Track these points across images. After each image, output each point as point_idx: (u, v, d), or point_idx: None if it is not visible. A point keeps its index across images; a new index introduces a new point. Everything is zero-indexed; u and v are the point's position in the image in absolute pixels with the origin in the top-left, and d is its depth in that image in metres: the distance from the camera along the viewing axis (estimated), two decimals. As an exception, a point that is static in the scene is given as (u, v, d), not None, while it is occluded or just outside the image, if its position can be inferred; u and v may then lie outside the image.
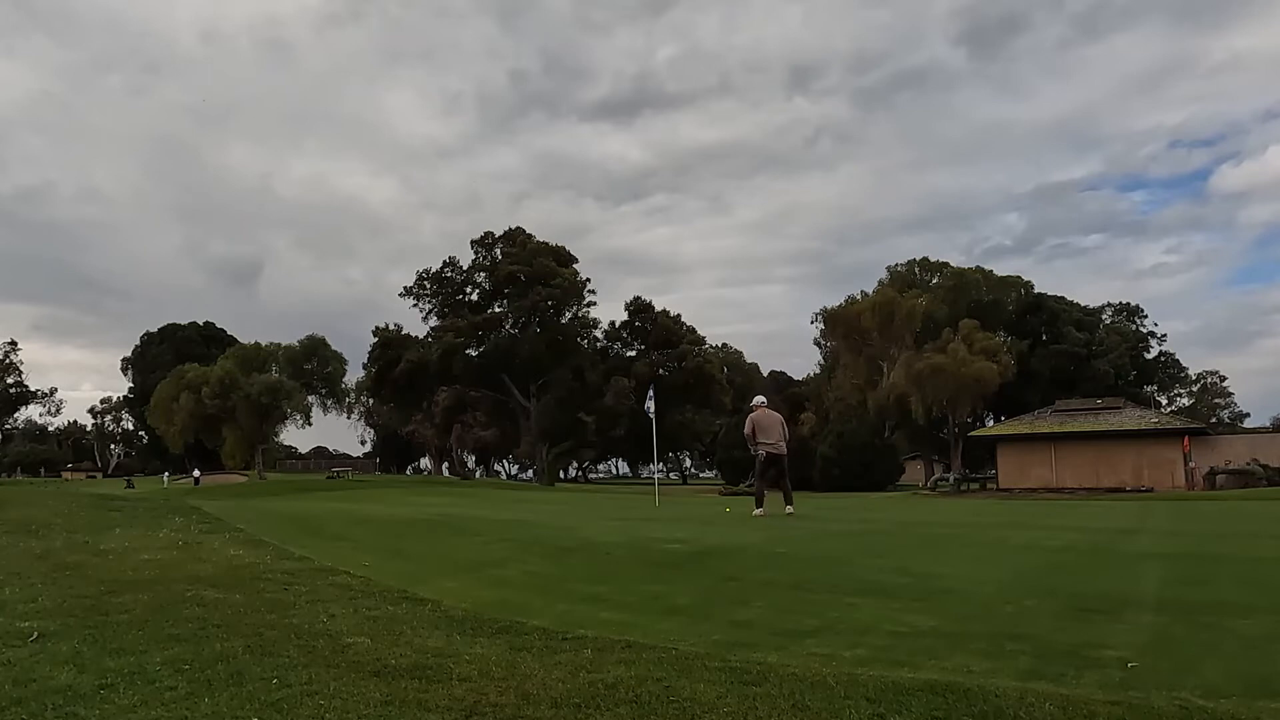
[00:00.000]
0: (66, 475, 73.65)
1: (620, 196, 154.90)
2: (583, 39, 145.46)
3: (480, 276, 52.94)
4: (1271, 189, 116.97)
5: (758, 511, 11.79)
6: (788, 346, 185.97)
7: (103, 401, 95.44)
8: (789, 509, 11.91)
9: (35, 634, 3.77)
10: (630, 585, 5.39)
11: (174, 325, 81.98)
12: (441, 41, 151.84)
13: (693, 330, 54.73)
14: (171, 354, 73.29)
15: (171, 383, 59.06)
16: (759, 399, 13.11)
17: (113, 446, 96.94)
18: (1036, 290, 62.67)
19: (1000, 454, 39.32)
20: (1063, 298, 62.76)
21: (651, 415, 17.65)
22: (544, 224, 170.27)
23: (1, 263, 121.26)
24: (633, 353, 55.07)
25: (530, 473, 59.12)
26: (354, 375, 66.49)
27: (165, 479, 44.98)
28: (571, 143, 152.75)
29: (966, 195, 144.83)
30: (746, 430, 12.48)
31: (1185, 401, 72.88)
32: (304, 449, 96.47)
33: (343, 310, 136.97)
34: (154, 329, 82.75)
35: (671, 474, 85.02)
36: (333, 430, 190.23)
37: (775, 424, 12.32)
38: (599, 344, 55.07)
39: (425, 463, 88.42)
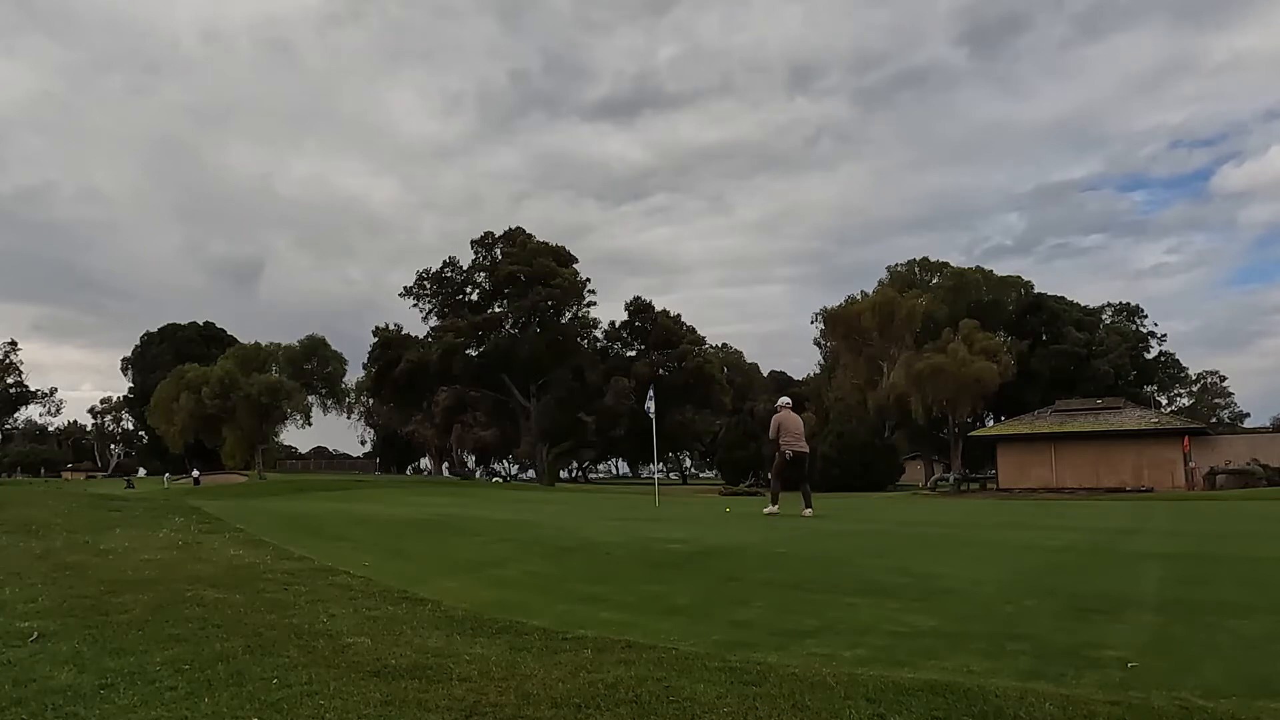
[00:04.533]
0: (66, 475, 73.61)
1: (621, 196, 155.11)
2: (583, 39, 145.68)
3: (480, 276, 52.92)
4: (1273, 189, 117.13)
5: (771, 509, 11.88)
6: (788, 346, 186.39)
7: (103, 401, 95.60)
8: (808, 511, 11.87)
9: (35, 634, 3.77)
10: (630, 585, 5.39)
11: (174, 325, 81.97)
12: (442, 41, 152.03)
13: (693, 330, 54.71)
14: (171, 354, 73.30)
15: (171, 383, 59.06)
16: (784, 400, 13.29)
17: (113, 446, 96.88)
18: (1036, 290, 62.70)
19: (1000, 454, 39.31)
20: (1063, 298, 62.78)
21: (651, 415, 17.64)
22: (544, 224, 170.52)
23: (1, 263, 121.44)
24: (633, 353, 55.02)
25: (531, 472, 59.05)
26: (354, 375, 66.55)
27: (166, 479, 44.97)
28: (572, 142, 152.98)
29: (967, 195, 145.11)
30: (772, 431, 12.64)
31: (1185, 401, 72.88)
32: (304, 449, 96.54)
33: (343, 310, 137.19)
34: (154, 329, 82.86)
35: (671, 474, 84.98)
36: (333, 430, 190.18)
37: (799, 425, 12.55)
38: (599, 344, 55.04)
39: (425, 462, 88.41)
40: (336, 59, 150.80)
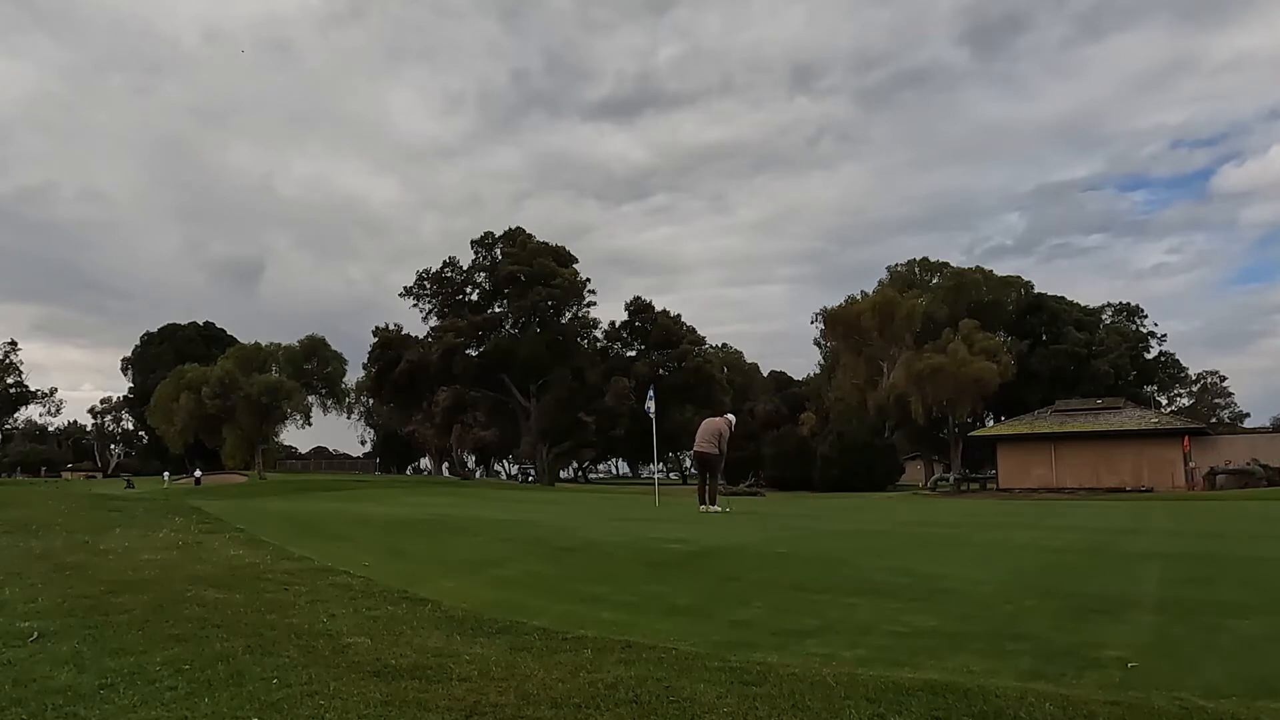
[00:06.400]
0: (66, 475, 73.58)
1: (621, 196, 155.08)
2: (585, 38, 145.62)
3: (480, 276, 52.91)
4: (1274, 188, 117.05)
5: (701, 508, 13.10)
6: (788, 346, 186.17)
7: (103, 401, 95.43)
8: (714, 509, 13.01)
9: (35, 634, 3.77)
10: (630, 585, 5.39)
11: (174, 325, 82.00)
12: (443, 41, 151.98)
13: (693, 330, 54.69)
14: (171, 354, 73.39)
15: (171, 383, 59.20)
16: (729, 416, 14.40)
17: (113, 446, 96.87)
18: (1037, 290, 62.74)
19: (1000, 454, 39.32)
20: (1063, 298, 62.83)
21: (651, 415, 17.63)
22: (545, 223, 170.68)
23: (2, 263, 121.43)
24: (633, 353, 54.99)
25: (532, 473, 59.02)
26: (354, 375, 66.70)
27: (166, 479, 44.94)
28: (573, 142, 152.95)
29: (968, 195, 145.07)
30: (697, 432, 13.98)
31: (1185, 401, 72.89)
32: (304, 449, 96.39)
33: (343, 310, 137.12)
34: (154, 329, 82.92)
35: (671, 474, 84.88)
36: (333, 430, 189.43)
37: (711, 430, 13.55)
38: (599, 344, 55.01)
39: (425, 463, 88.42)
40: (337, 59, 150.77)
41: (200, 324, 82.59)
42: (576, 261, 52.88)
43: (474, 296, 53.16)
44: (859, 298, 55.29)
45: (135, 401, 78.87)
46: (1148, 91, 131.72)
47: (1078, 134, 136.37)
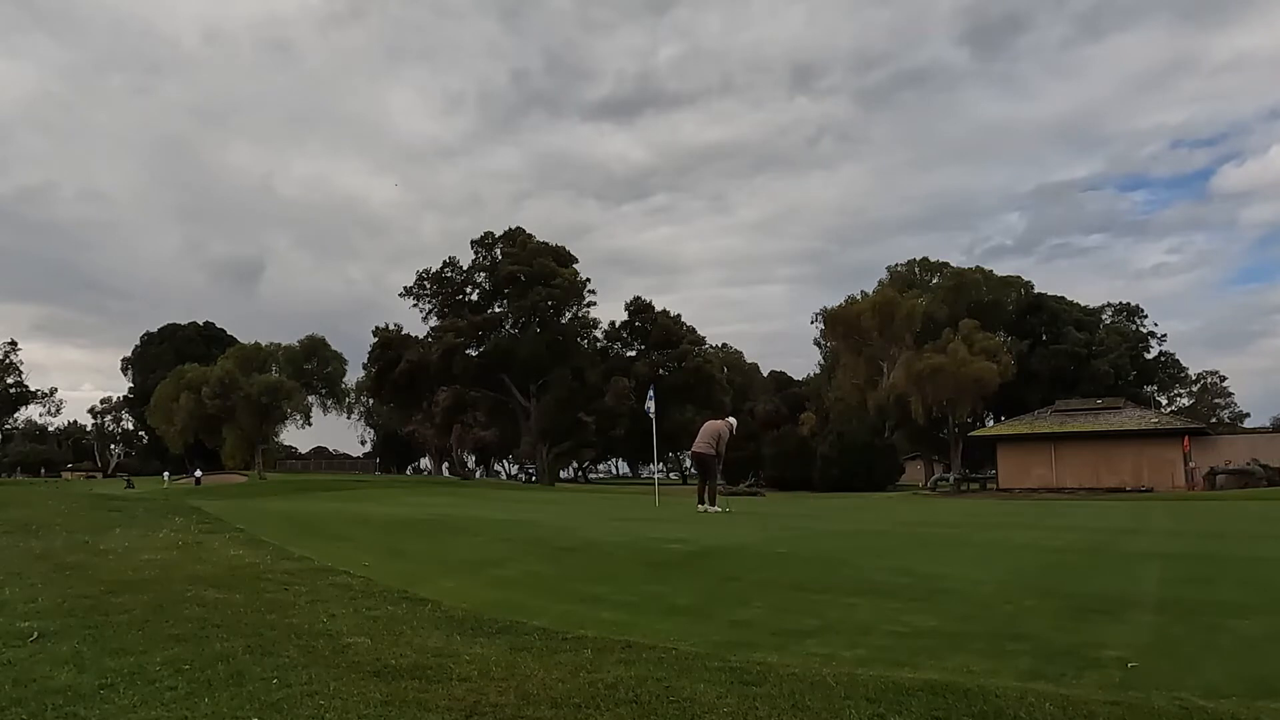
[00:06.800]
0: (66, 475, 73.57)
1: (621, 196, 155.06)
2: (585, 38, 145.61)
3: (480, 276, 52.91)
4: (1274, 188, 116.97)
5: (700, 508, 13.16)
6: (788, 346, 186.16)
7: (103, 401, 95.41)
8: (714, 509, 13.03)
9: (35, 634, 3.77)
10: (630, 585, 5.39)
11: (174, 325, 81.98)
12: (443, 41, 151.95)
13: (693, 330, 54.66)
14: (171, 354, 73.39)
15: (171, 383, 59.21)
16: (730, 419, 14.64)
17: (113, 446, 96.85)
18: (1037, 290, 62.73)
19: (1000, 454, 39.31)
20: (1063, 298, 62.83)
21: (651, 415, 17.63)
22: (545, 223, 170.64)
23: (2, 263, 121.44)
24: (633, 353, 54.97)
25: (532, 473, 59.00)
26: (354, 375, 66.69)
27: (166, 479, 44.93)
28: (573, 142, 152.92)
29: (968, 195, 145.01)
30: None
31: (1185, 401, 72.88)
32: (304, 449, 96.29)
33: (343, 310, 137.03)
34: (154, 329, 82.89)
35: (671, 474, 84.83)
36: (333, 430, 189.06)
37: (711, 432, 13.79)
38: (599, 344, 54.99)
39: (425, 463, 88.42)
40: (337, 59, 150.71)
41: (200, 324, 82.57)
42: (576, 261, 52.90)
43: (474, 296, 53.15)
44: (859, 298, 55.29)
45: (135, 401, 78.85)
46: (1148, 91, 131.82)
47: (1078, 134, 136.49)
